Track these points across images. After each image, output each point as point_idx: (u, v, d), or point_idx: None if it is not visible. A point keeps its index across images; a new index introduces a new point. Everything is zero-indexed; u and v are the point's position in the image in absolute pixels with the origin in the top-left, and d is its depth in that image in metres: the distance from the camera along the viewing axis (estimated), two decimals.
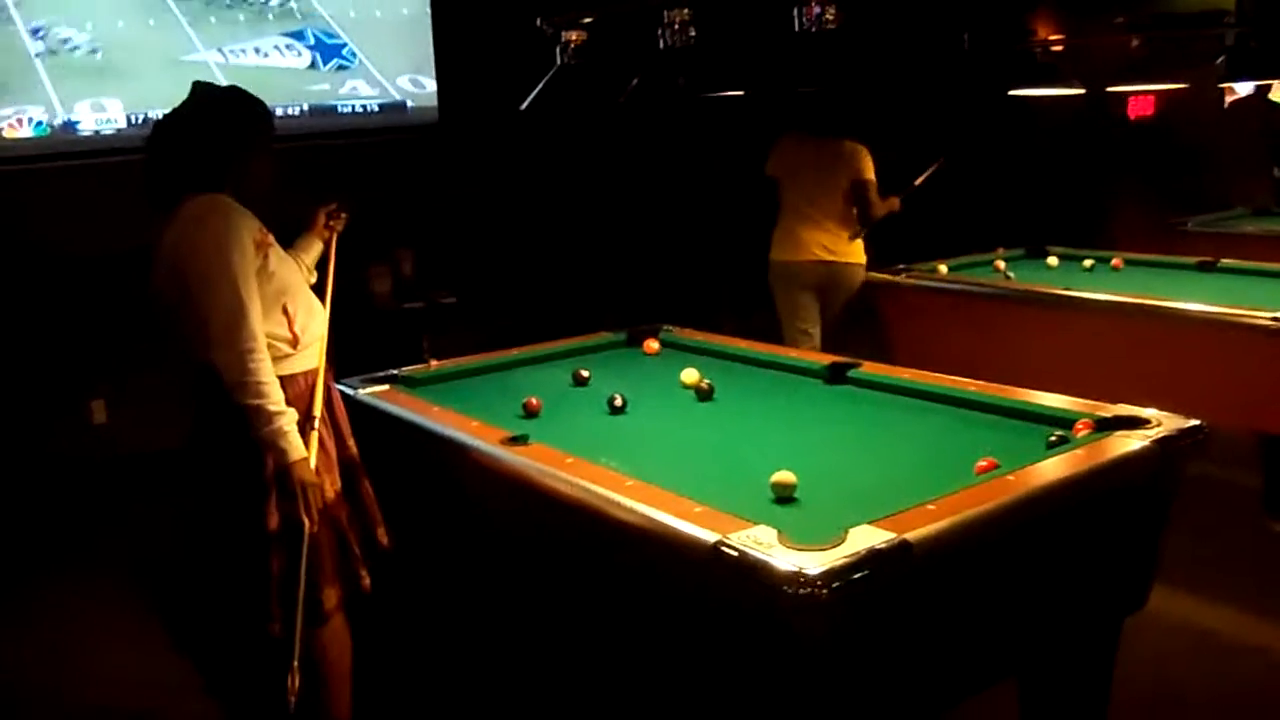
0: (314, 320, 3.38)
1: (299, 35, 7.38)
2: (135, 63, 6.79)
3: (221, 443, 3.22)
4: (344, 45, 7.50)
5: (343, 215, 3.76)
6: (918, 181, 6.60)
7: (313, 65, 7.42)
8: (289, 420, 3.12)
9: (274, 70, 7.24)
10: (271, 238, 3.28)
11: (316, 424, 3.27)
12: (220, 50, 7.07)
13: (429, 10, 7.63)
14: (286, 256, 3.38)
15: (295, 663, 3.06)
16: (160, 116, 3.35)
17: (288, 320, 3.25)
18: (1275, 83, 8.46)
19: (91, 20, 6.67)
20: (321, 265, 3.71)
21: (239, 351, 3.06)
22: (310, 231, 3.70)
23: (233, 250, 3.10)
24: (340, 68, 7.50)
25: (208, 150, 3.24)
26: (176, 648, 4.42)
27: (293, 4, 7.36)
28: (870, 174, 6.34)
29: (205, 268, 3.10)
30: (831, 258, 6.39)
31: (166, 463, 4.73)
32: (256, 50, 7.22)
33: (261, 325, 3.13)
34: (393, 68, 7.64)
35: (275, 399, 3.10)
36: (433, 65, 7.64)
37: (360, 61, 7.55)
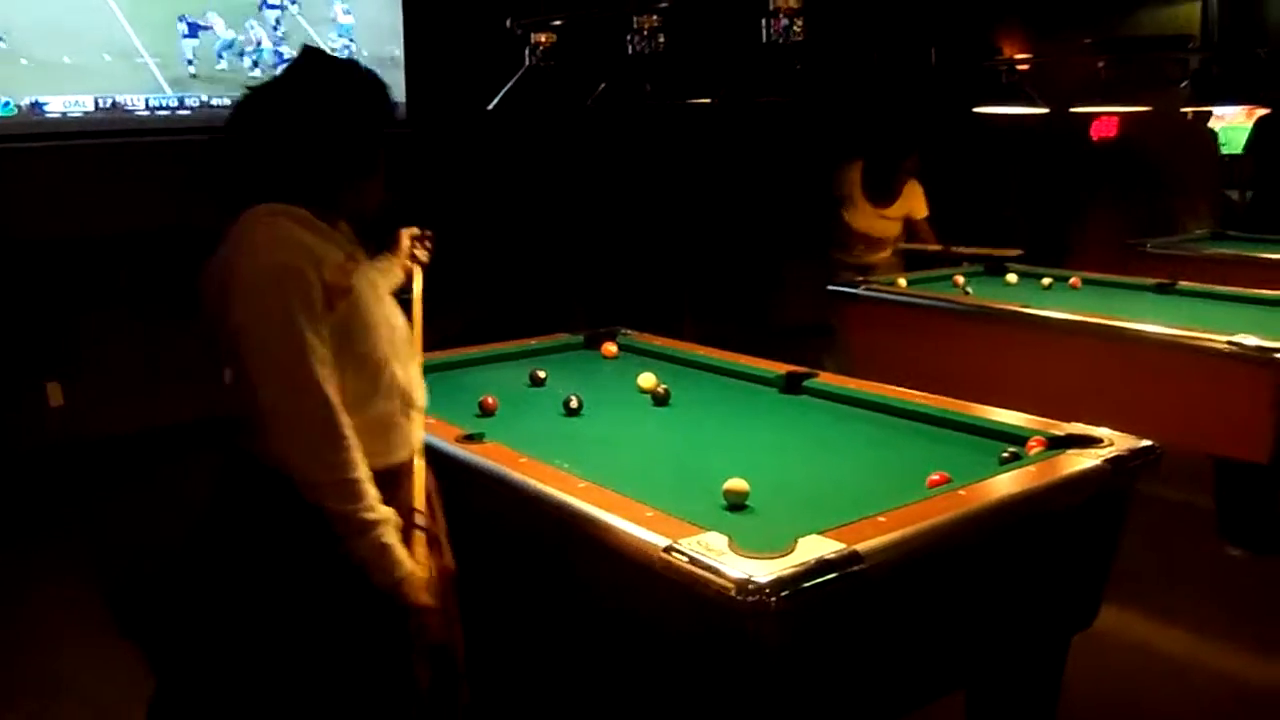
0: (409, 371, 2.60)
1: None
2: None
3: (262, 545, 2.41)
4: None
5: (429, 241, 3.25)
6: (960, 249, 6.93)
7: None
8: (388, 530, 2.34)
9: None
10: (361, 264, 2.51)
11: (418, 518, 2.53)
12: None
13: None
14: (377, 282, 2.61)
15: None
16: (255, 87, 2.45)
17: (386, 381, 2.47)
18: (1215, 111, 8.54)
19: None
20: (404, 303, 2.91)
21: (323, 444, 2.27)
22: (391, 258, 3.09)
23: (299, 309, 2.26)
24: None
25: (322, 146, 2.42)
26: (142, 650, 4.22)
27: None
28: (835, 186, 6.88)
29: (262, 327, 2.26)
30: None
31: (125, 446, 4.68)
32: None
33: (342, 404, 2.31)
34: None
35: (369, 501, 2.31)
36: (402, 63, 7.52)
37: None
